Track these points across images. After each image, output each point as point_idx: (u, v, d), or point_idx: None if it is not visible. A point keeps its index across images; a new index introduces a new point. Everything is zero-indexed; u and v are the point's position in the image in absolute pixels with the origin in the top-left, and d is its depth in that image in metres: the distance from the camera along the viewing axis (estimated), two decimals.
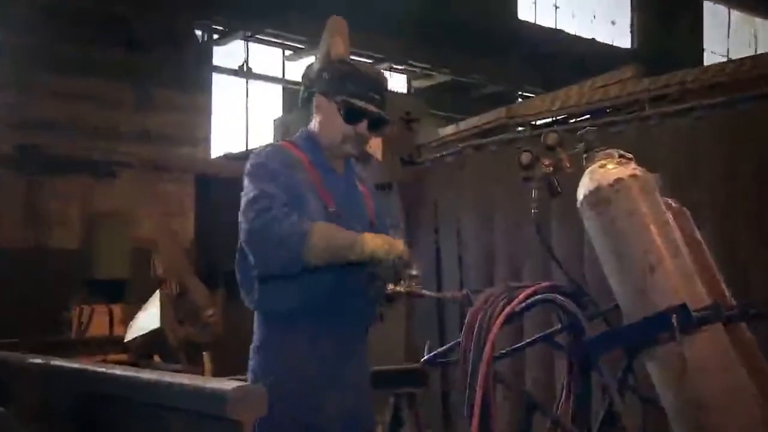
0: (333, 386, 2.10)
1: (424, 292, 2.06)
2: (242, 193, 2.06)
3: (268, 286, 2.09)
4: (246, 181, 2.07)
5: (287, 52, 11.24)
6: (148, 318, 5.28)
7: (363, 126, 2.15)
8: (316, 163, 2.15)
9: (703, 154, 3.54)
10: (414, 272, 2.04)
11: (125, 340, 5.39)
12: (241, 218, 2.03)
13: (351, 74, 2.15)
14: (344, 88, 2.13)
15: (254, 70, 10.84)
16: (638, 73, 4.14)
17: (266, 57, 11.11)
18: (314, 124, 2.22)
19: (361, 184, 2.28)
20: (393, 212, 4.70)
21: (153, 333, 5.15)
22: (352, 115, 2.13)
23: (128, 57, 8.78)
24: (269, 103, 10.98)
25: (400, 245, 1.99)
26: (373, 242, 1.97)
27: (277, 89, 11.18)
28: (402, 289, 2.04)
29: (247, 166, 2.11)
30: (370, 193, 2.30)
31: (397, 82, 12.39)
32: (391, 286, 2.04)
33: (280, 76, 11.23)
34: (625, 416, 1.88)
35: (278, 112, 10.57)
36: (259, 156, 2.12)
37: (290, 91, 10.81)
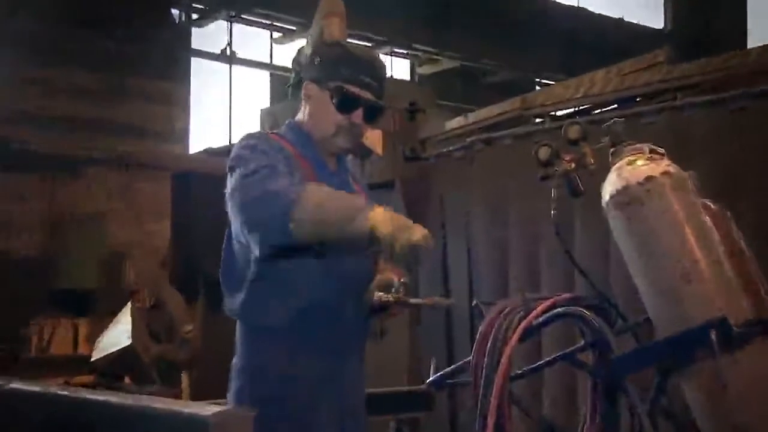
0: (325, 411, 2.10)
1: (411, 300, 2.04)
2: (230, 174, 2.03)
3: (256, 293, 2.09)
4: (236, 160, 2.03)
5: (276, 35, 11.25)
6: (117, 334, 5.28)
7: (358, 115, 2.15)
8: (308, 157, 2.16)
9: (746, 148, 3.53)
10: (402, 279, 2.03)
11: (92, 359, 5.38)
12: (230, 190, 2.00)
13: (344, 58, 2.15)
14: (337, 73, 2.13)
15: (238, 55, 10.85)
16: (672, 57, 4.14)
17: (252, 40, 11.13)
18: (303, 114, 2.22)
19: (355, 181, 2.29)
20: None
21: (123, 351, 5.15)
22: (345, 104, 2.13)
23: (95, 40, 8.78)
24: (255, 92, 11.00)
25: (417, 230, 1.82)
26: (380, 216, 1.82)
27: (264, 76, 11.20)
28: (391, 298, 2.03)
29: (237, 148, 2.08)
30: (364, 190, 2.31)
31: (399, 69, 12.42)
32: (378, 294, 2.03)
33: (268, 61, 11.24)
34: None
35: (265, 102, 10.59)
36: (250, 138, 2.12)
37: (279, 78, 10.83)
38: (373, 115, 2.18)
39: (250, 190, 1.92)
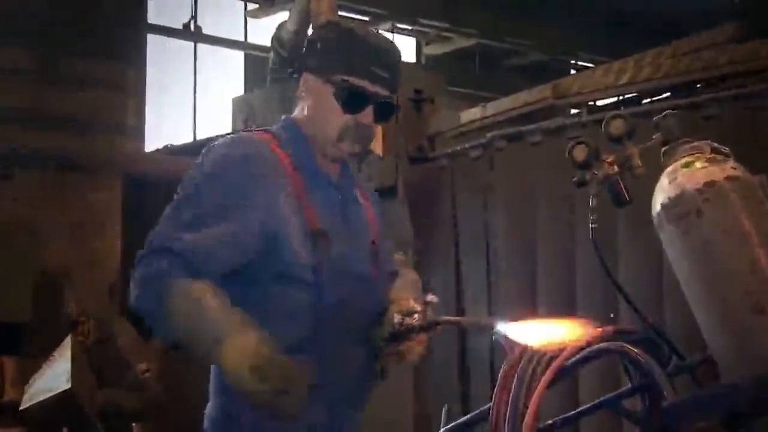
0: None
1: (443, 318, 2.06)
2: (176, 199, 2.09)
3: None
4: (187, 179, 2.09)
5: (250, 6, 11.29)
6: (54, 375, 5.27)
7: (367, 115, 2.13)
8: (303, 166, 2.15)
9: None
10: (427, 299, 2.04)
11: (21, 407, 5.38)
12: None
13: (352, 44, 2.14)
14: (342, 63, 2.12)
15: (205, 31, 10.88)
16: (741, 33, 4.15)
17: (222, 12, 11.16)
18: (301, 110, 2.22)
19: (362, 193, 2.28)
20: (399, 228, 4.71)
21: (61, 396, 5.14)
22: (353, 101, 2.12)
23: (24, 12, 8.78)
24: (226, 76, 11.02)
25: (288, 370, 1.85)
26: (239, 352, 1.86)
27: (238, 57, 11.23)
28: (414, 322, 2.05)
29: (197, 168, 2.09)
30: (373, 205, 2.30)
31: (403, 49, 12.44)
32: (398, 318, 2.04)
33: (241, 38, 11.28)
34: None
35: (239, 89, 10.60)
36: (216, 161, 2.10)
37: (254, 60, 10.85)
38: (386, 114, 2.17)
39: (153, 241, 2.03)
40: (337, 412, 2.14)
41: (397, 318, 2.06)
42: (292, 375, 1.85)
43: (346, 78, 2.12)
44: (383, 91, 2.14)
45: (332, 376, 2.11)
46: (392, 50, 2.21)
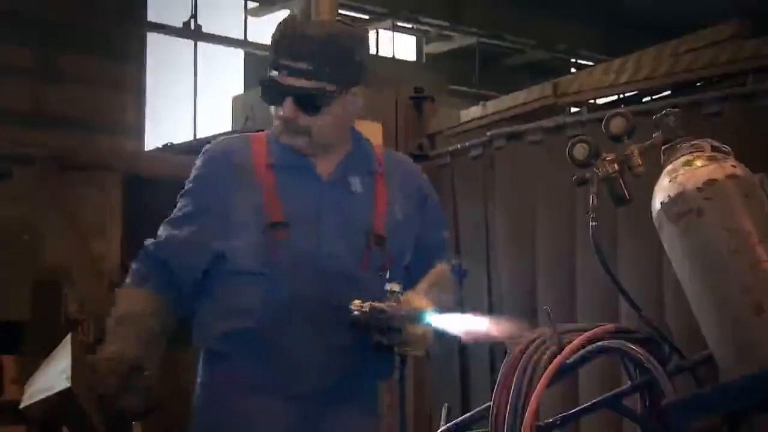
0: None
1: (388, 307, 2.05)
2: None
3: (203, 306, 2.20)
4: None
5: (251, 4, 11.29)
6: (53, 374, 5.24)
7: (287, 107, 2.13)
8: (282, 163, 2.18)
9: None
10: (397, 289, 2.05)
11: (21, 406, 5.37)
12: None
13: (273, 38, 2.19)
14: (269, 61, 2.18)
15: (205, 29, 10.88)
16: (743, 30, 4.15)
17: (222, 10, 11.16)
18: None
19: (380, 186, 2.24)
20: None
21: (60, 395, 5.13)
22: (269, 94, 2.17)
23: (24, 11, 8.78)
24: (227, 75, 11.02)
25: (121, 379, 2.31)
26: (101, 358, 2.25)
27: (238, 55, 11.23)
28: (365, 307, 2.05)
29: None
30: (397, 199, 2.25)
31: (403, 47, 12.44)
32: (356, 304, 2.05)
33: (241, 36, 11.27)
34: None
35: (239, 88, 10.60)
36: (195, 165, 2.26)
37: (255, 58, 10.85)
38: (309, 105, 2.13)
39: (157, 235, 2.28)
40: (313, 409, 2.13)
41: (353, 308, 2.03)
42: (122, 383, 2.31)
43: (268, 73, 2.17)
44: (301, 82, 2.12)
45: (297, 370, 2.12)
46: (314, 39, 2.13)
